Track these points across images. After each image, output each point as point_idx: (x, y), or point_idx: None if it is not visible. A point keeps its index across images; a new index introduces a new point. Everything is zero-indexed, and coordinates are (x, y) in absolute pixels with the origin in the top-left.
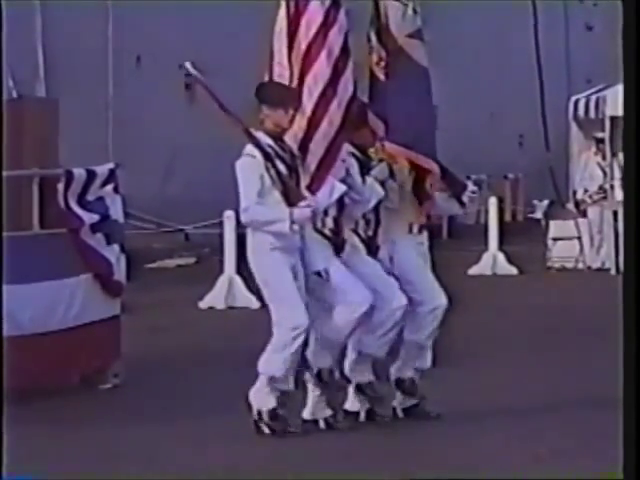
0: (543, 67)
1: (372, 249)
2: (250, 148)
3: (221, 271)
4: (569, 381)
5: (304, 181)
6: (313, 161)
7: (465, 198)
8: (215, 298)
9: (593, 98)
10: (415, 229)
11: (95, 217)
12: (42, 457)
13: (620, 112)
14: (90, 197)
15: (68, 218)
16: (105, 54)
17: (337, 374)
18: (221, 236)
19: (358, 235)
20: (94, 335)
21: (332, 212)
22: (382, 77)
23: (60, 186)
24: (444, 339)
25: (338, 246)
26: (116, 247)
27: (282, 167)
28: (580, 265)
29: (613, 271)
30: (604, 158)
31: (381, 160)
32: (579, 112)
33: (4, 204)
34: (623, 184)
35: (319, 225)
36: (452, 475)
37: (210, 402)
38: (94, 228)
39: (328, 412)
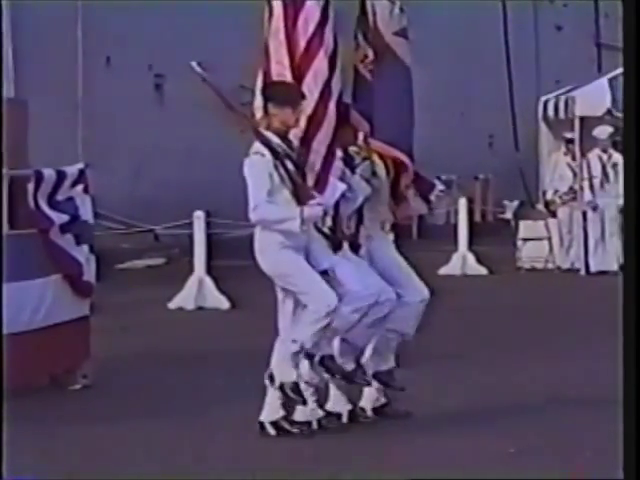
0: (513, 67)
1: (355, 246)
2: (258, 146)
3: (191, 272)
4: (539, 380)
5: (309, 180)
6: (317, 160)
7: (433, 197)
8: (185, 299)
9: (562, 98)
10: (387, 227)
11: (65, 217)
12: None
13: (589, 112)
14: (60, 197)
15: (38, 218)
16: (75, 55)
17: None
18: (191, 237)
19: (342, 232)
20: (63, 336)
21: (330, 211)
22: (367, 75)
23: (30, 186)
24: (413, 339)
25: (336, 245)
26: (86, 247)
27: (290, 165)
28: (550, 265)
29: (582, 271)
30: (574, 158)
31: (365, 158)
32: (549, 112)
33: None
34: (623, 184)
35: (320, 224)
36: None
37: (179, 402)
38: (64, 228)
39: (349, 406)
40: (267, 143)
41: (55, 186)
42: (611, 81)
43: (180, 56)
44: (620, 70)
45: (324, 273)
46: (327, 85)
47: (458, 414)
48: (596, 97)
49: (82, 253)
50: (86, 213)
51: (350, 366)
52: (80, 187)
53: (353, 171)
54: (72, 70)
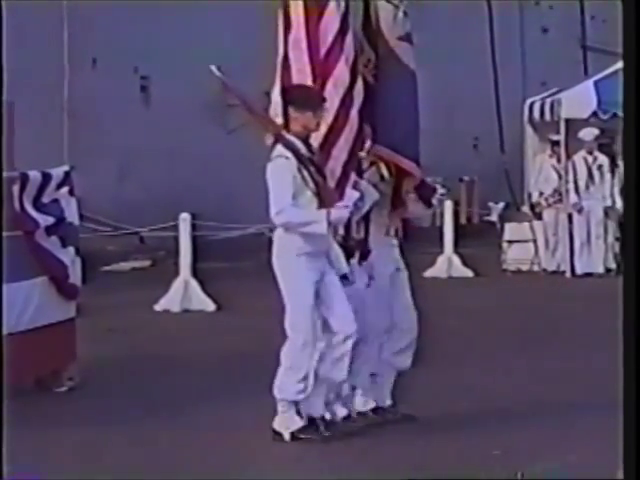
0: (498, 69)
1: (364, 253)
2: (281, 149)
3: (176, 274)
4: (526, 383)
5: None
6: (337, 167)
7: (434, 200)
8: (170, 301)
9: (548, 101)
10: (392, 231)
11: (50, 220)
12: None
13: (575, 115)
14: (45, 200)
15: (23, 221)
16: (61, 57)
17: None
18: (176, 239)
19: (352, 239)
20: (49, 338)
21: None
22: (371, 80)
23: (15, 189)
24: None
25: (350, 252)
26: (71, 250)
27: (313, 168)
28: (535, 268)
29: (568, 274)
30: (559, 161)
31: (372, 163)
32: (534, 115)
33: None
34: (623, 184)
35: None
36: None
37: (165, 404)
38: (49, 231)
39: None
40: (290, 146)
41: (40, 188)
42: (597, 83)
43: (165, 58)
44: (606, 72)
45: (344, 277)
46: (348, 93)
47: (444, 416)
48: (582, 99)
49: (68, 255)
50: (72, 215)
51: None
52: (65, 189)
53: (361, 176)
54: (58, 72)
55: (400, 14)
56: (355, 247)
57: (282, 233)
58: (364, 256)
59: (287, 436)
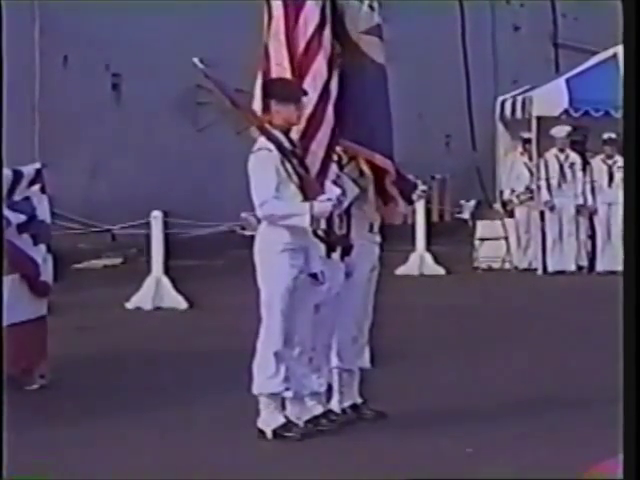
0: (470, 67)
1: (347, 248)
2: (264, 142)
3: (148, 272)
4: (494, 381)
5: None
6: (315, 162)
7: (415, 197)
8: (142, 299)
9: (520, 98)
10: (375, 228)
11: (22, 217)
12: None
13: (546, 112)
14: (16, 197)
15: None
16: (32, 54)
17: None
18: (148, 236)
19: (334, 234)
20: (20, 336)
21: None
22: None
23: None
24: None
25: (331, 247)
26: (43, 247)
27: (296, 161)
28: (507, 265)
29: (540, 271)
30: (530, 158)
31: (351, 158)
32: (506, 112)
33: None
34: (623, 184)
35: (313, 226)
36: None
37: (136, 402)
38: (20, 228)
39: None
40: (273, 139)
41: (12, 186)
42: (568, 81)
43: (137, 56)
44: (577, 70)
45: (314, 276)
46: (326, 87)
47: (413, 414)
48: (553, 97)
49: (39, 253)
50: (43, 213)
51: (318, 409)
52: (37, 187)
53: (341, 171)
54: (29, 69)
55: (365, 8)
56: (337, 242)
57: (265, 228)
58: (347, 252)
59: (269, 434)
